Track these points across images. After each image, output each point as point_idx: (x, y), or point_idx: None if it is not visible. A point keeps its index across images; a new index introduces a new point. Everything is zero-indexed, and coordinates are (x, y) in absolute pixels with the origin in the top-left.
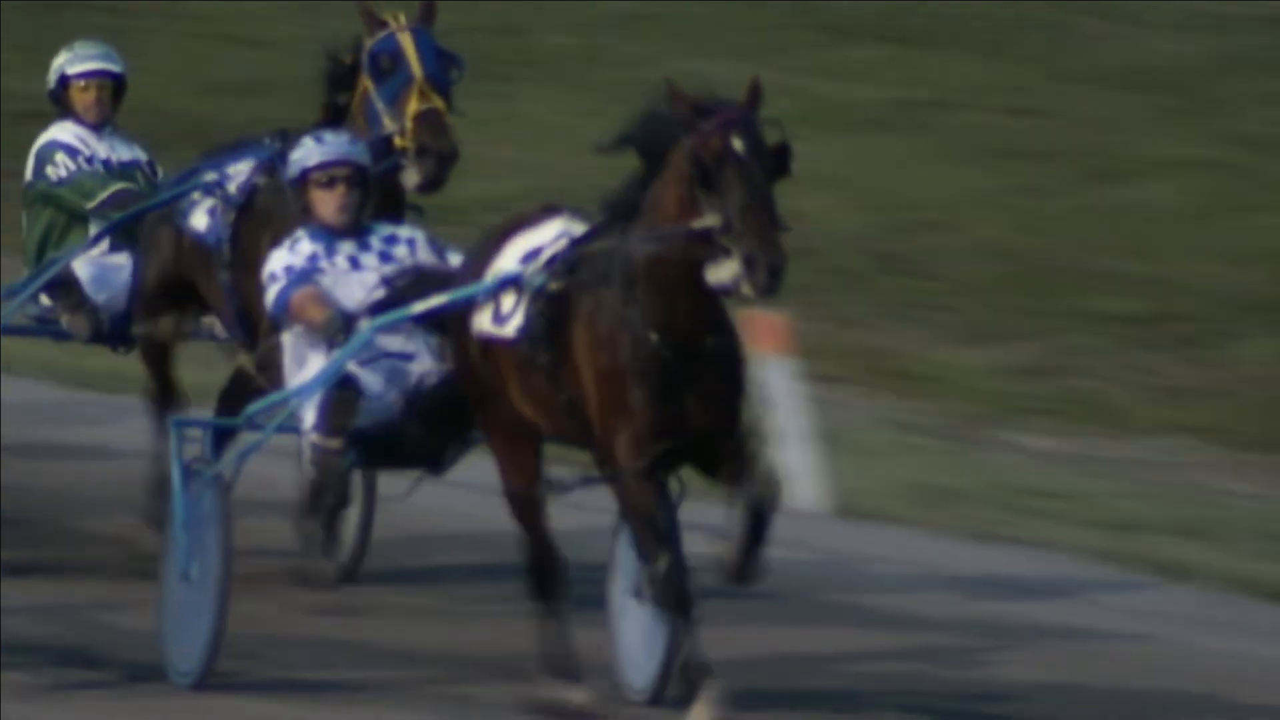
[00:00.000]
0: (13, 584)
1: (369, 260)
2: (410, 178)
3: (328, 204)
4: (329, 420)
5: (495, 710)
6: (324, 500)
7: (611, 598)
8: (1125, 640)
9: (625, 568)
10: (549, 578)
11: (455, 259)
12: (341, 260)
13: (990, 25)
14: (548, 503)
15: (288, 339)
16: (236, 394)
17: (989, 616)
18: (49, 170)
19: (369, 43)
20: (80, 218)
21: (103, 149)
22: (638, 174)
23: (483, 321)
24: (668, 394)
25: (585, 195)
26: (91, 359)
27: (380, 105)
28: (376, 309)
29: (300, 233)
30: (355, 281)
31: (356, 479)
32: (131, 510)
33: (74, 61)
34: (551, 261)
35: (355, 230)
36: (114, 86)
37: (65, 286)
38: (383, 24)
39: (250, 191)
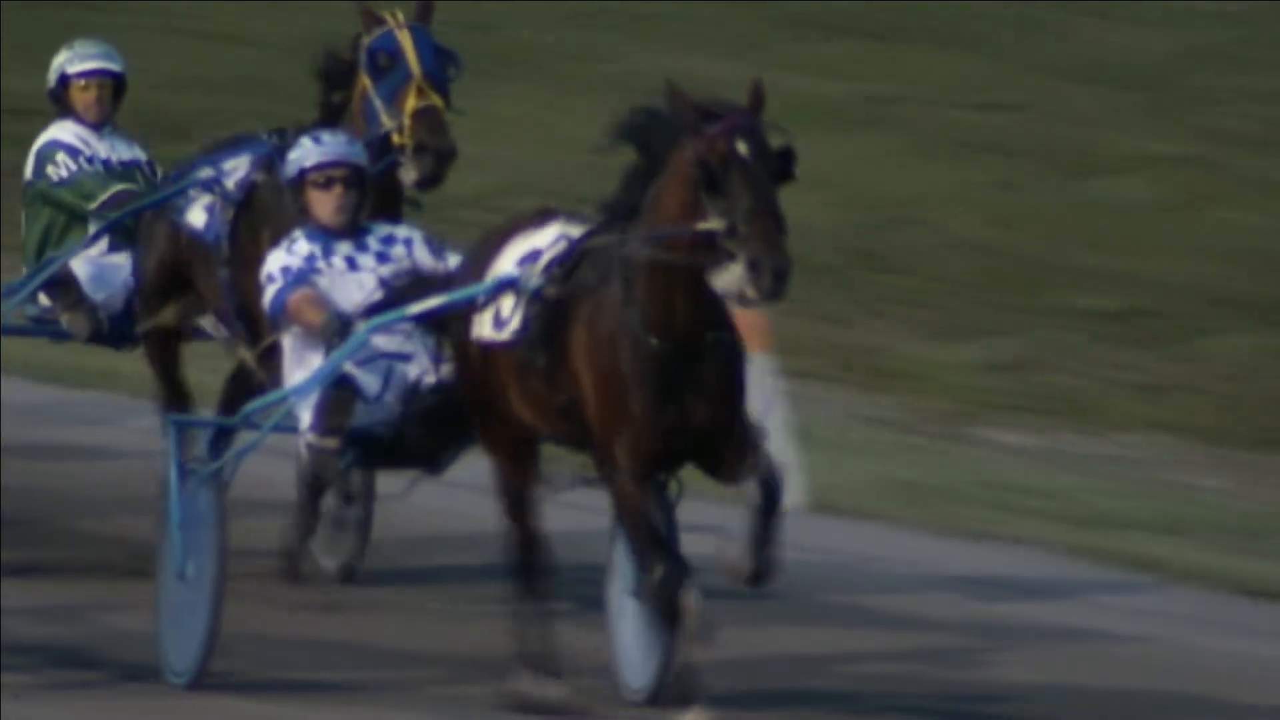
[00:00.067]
0: (12, 584)
1: (366, 261)
2: (408, 175)
3: (325, 205)
4: (325, 420)
5: (494, 711)
6: (317, 500)
7: (610, 598)
8: (1123, 641)
9: (623, 568)
10: (536, 575)
11: (453, 259)
12: (339, 261)
13: (965, 21)
14: (541, 501)
15: (286, 340)
16: (238, 395)
17: (986, 616)
18: (49, 170)
19: (367, 40)
20: (80, 218)
21: (103, 149)
22: (635, 174)
23: (482, 327)
24: (667, 398)
25: (560, 191)
26: (91, 359)
27: (378, 103)
28: (374, 311)
29: (297, 233)
30: (352, 282)
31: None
32: (132, 510)
33: (74, 60)
34: (550, 265)
35: (352, 231)
36: (114, 86)
37: (63, 285)
38: (380, 21)
39: (249, 189)
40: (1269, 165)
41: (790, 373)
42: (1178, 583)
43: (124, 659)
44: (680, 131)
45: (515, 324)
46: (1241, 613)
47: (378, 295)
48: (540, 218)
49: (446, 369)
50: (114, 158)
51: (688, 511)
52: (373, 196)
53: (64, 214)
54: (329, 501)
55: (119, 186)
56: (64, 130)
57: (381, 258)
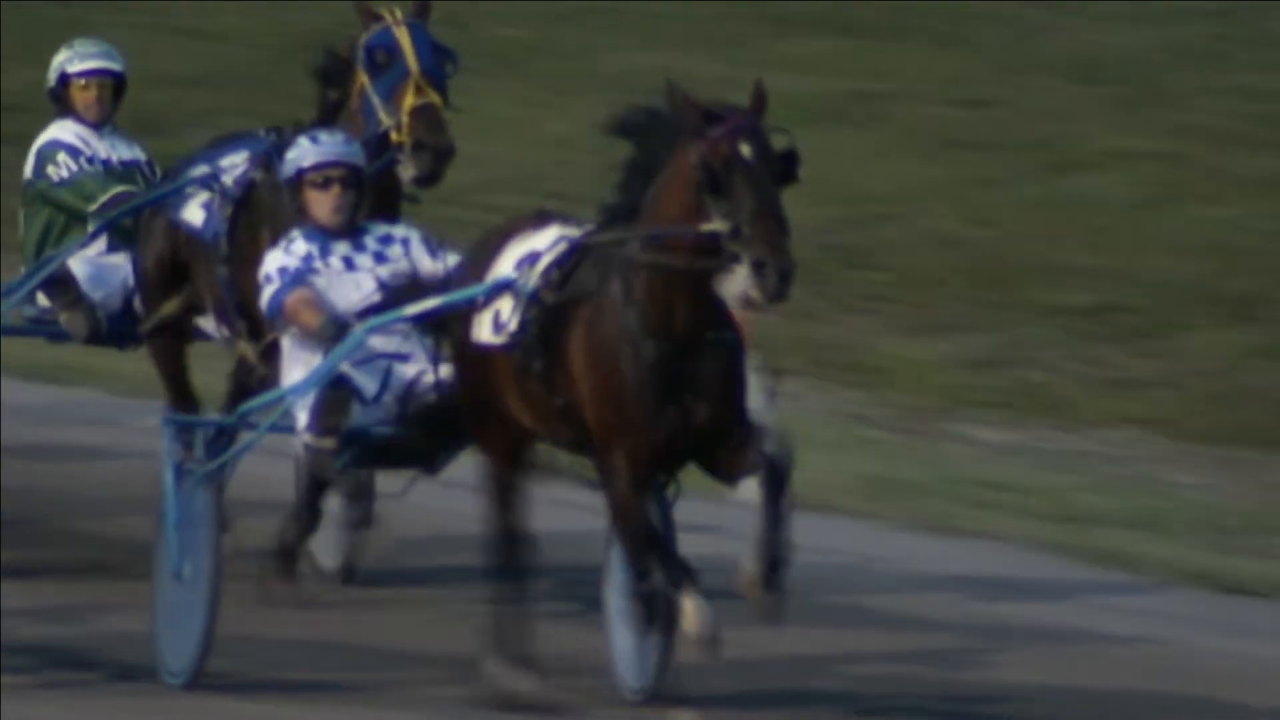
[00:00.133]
0: (12, 585)
1: (364, 261)
2: (406, 172)
3: (323, 205)
4: (321, 420)
5: (493, 711)
6: (318, 500)
7: (607, 598)
8: (1118, 641)
9: (621, 568)
10: (517, 569)
11: (450, 258)
12: (336, 261)
13: (941, 17)
14: (528, 497)
15: (284, 339)
16: (242, 395)
17: (973, 615)
18: (50, 170)
19: (364, 37)
20: (80, 218)
21: (103, 148)
22: (633, 175)
23: (481, 329)
24: (666, 402)
25: (543, 188)
26: (91, 359)
27: (376, 100)
28: (371, 313)
29: (295, 233)
30: (350, 282)
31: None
32: (132, 511)
33: (74, 60)
34: (549, 268)
35: (350, 230)
36: (115, 85)
37: (61, 284)
38: (378, 18)
39: (248, 186)
40: (1246, 162)
41: (765, 368)
42: (1154, 579)
43: (124, 659)
44: (680, 132)
45: (513, 327)
46: (1230, 612)
47: (375, 296)
48: (539, 219)
49: (445, 369)
50: (114, 157)
51: (687, 512)
52: (370, 196)
53: (63, 214)
54: (333, 501)
55: (119, 188)
56: (64, 130)
57: (379, 258)
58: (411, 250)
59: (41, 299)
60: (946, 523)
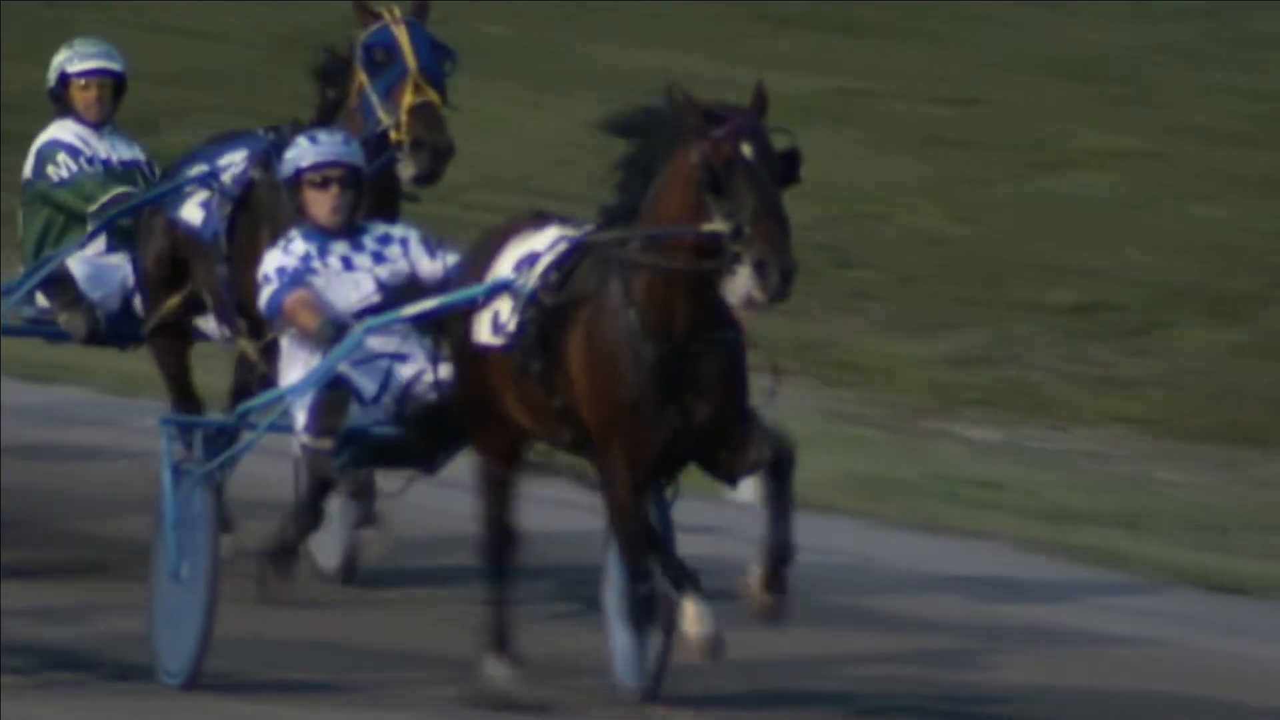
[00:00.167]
0: (12, 585)
1: (362, 261)
2: (405, 170)
3: (321, 204)
4: (319, 421)
5: (492, 712)
6: (320, 501)
7: (606, 598)
8: (1118, 641)
9: (618, 569)
10: (505, 565)
11: (448, 257)
12: (334, 261)
13: (927, 15)
14: (520, 495)
15: (283, 339)
16: (242, 397)
17: (976, 616)
18: (50, 170)
19: (362, 36)
20: (79, 219)
21: (103, 148)
22: (632, 176)
23: (480, 330)
24: (665, 406)
25: (525, 185)
26: (92, 359)
27: (374, 98)
28: (370, 313)
29: (293, 232)
30: (348, 282)
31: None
32: (133, 511)
33: (74, 60)
34: (547, 270)
35: (349, 230)
36: (114, 85)
37: (60, 284)
38: (377, 17)
39: (247, 185)
40: (1230, 160)
41: (752, 367)
42: (1144, 578)
43: (124, 660)
44: (681, 132)
45: (512, 328)
46: (1226, 611)
47: (374, 296)
48: (538, 220)
49: (444, 370)
50: (114, 157)
51: (687, 512)
52: (369, 195)
53: (63, 214)
54: (334, 502)
55: (119, 189)
56: (64, 130)
57: (378, 258)
58: (410, 250)
59: (40, 299)
60: (936, 521)
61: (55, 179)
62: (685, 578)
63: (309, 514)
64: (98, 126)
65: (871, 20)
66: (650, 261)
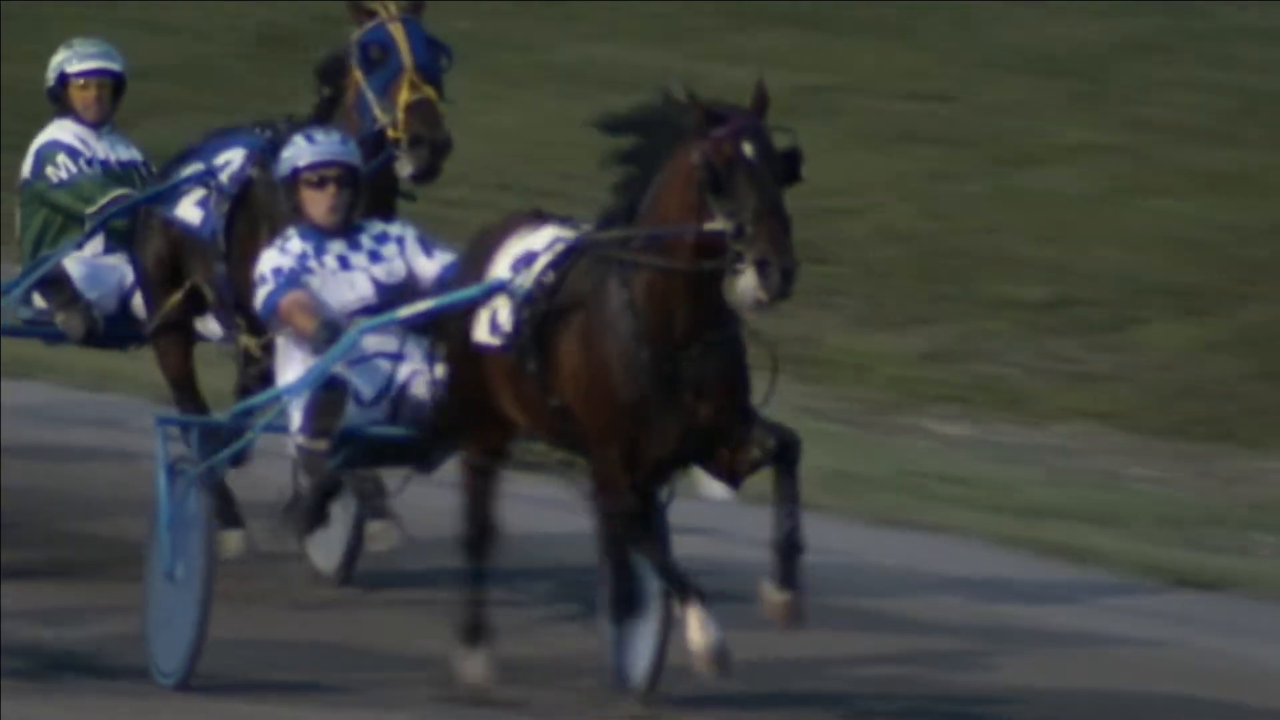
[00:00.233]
0: (13, 585)
1: (359, 260)
2: (404, 168)
3: (318, 204)
4: (314, 422)
5: (490, 713)
6: (325, 503)
7: (602, 598)
8: (1093, 640)
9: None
10: (483, 553)
11: (444, 257)
12: (331, 260)
13: (897, 11)
14: (501, 489)
15: (279, 338)
16: (246, 397)
17: (949, 613)
18: (49, 171)
19: (357, 34)
20: (78, 220)
21: (102, 149)
22: (631, 176)
23: (478, 330)
24: (661, 409)
25: (499, 181)
26: (92, 360)
27: (370, 96)
28: (367, 314)
29: (290, 231)
30: (345, 282)
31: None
32: (133, 512)
33: (74, 60)
34: (545, 270)
35: (345, 229)
36: (114, 85)
37: (56, 284)
38: (371, 15)
39: (245, 184)
40: (1200, 155)
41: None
42: (1113, 574)
43: (124, 661)
44: (680, 132)
45: (508, 328)
46: (1238, 613)
47: (371, 295)
48: (536, 219)
49: (440, 370)
50: (113, 158)
51: (686, 513)
52: (367, 194)
53: (61, 215)
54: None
55: (118, 191)
56: (63, 130)
57: (374, 256)
58: (406, 248)
59: (37, 300)
60: (907, 517)
61: (54, 180)
62: (688, 589)
63: (314, 514)
64: (96, 126)
65: (842, 16)
66: (650, 262)
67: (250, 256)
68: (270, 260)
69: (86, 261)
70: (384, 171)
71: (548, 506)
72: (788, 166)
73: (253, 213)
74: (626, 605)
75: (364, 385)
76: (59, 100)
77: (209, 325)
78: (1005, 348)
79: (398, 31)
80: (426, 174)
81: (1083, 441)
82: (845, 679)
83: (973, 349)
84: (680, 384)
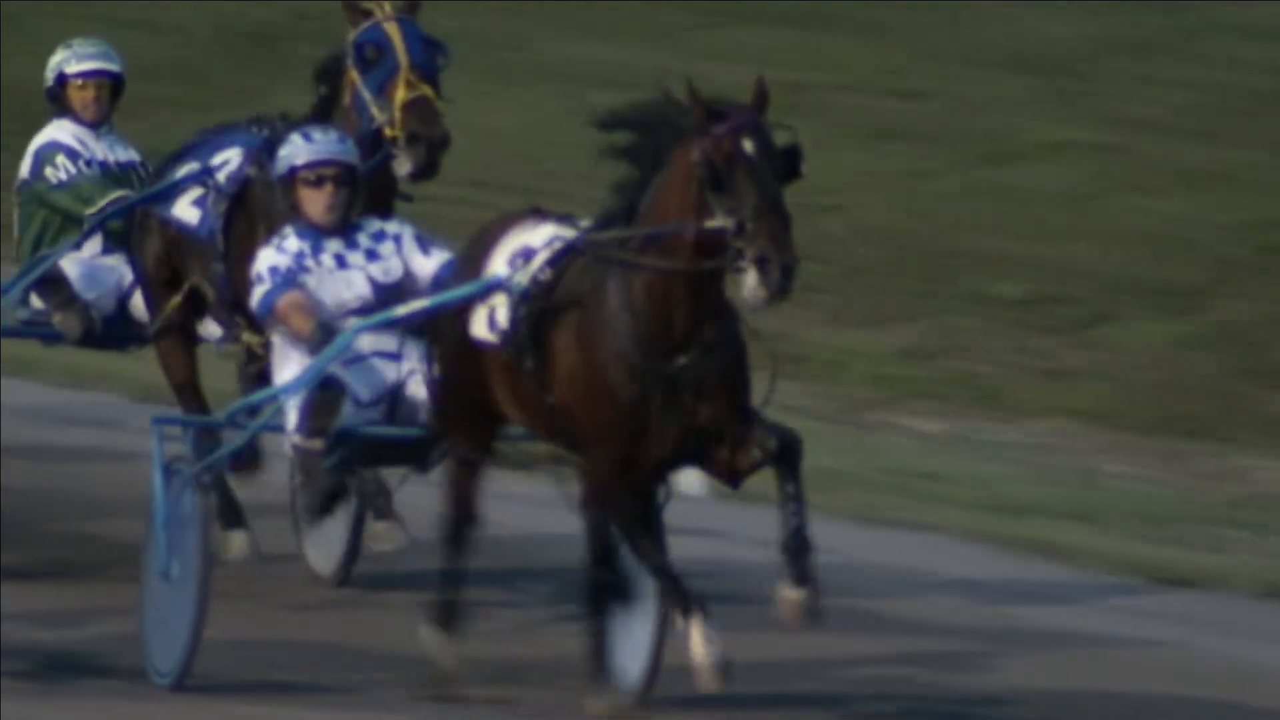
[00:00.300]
0: (13, 586)
1: (356, 259)
2: (402, 166)
3: (316, 203)
4: (310, 421)
5: (490, 714)
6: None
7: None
8: (1095, 642)
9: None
10: (462, 540)
11: (442, 255)
12: (328, 259)
13: (874, 8)
14: (487, 475)
15: (275, 338)
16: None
17: (924, 612)
18: (48, 172)
19: (353, 34)
20: (77, 221)
21: (100, 149)
22: (631, 175)
23: (476, 326)
24: (656, 411)
25: (471, 176)
26: (93, 360)
27: (367, 95)
28: (365, 314)
29: (288, 229)
30: (341, 280)
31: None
32: (134, 513)
33: (72, 60)
34: (542, 268)
35: (343, 228)
36: (112, 86)
37: (54, 284)
38: (367, 15)
39: (243, 183)
40: (1177, 152)
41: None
42: (1090, 571)
43: (124, 662)
44: (680, 131)
45: (504, 324)
46: (1237, 614)
47: (368, 294)
48: (533, 217)
49: (438, 369)
50: (111, 159)
51: (687, 514)
52: (364, 194)
53: (60, 216)
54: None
55: (117, 193)
56: (62, 130)
57: (371, 255)
58: (404, 247)
59: (35, 300)
60: (882, 514)
61: (54, 181)
62: (690, 603)
63: (319, 514)
64: (95, 127)
65: (819, 13)
66: (650, 263)
67: (248, 256)
68: (267, 259)
69: (84, 262)
70: (382, 171)
71: (547, 507)
72: (788, 163)
73: (251, 212)
74: (605, 597)
75: (361, 385)
76: (57, 100)
77: (208, 327)
78: (983, 344)
79: (393, 31)
80: (425, 171)
81: (1060, 438)
82: (842, 680)
83: (951, 346)
84: (678, 385)
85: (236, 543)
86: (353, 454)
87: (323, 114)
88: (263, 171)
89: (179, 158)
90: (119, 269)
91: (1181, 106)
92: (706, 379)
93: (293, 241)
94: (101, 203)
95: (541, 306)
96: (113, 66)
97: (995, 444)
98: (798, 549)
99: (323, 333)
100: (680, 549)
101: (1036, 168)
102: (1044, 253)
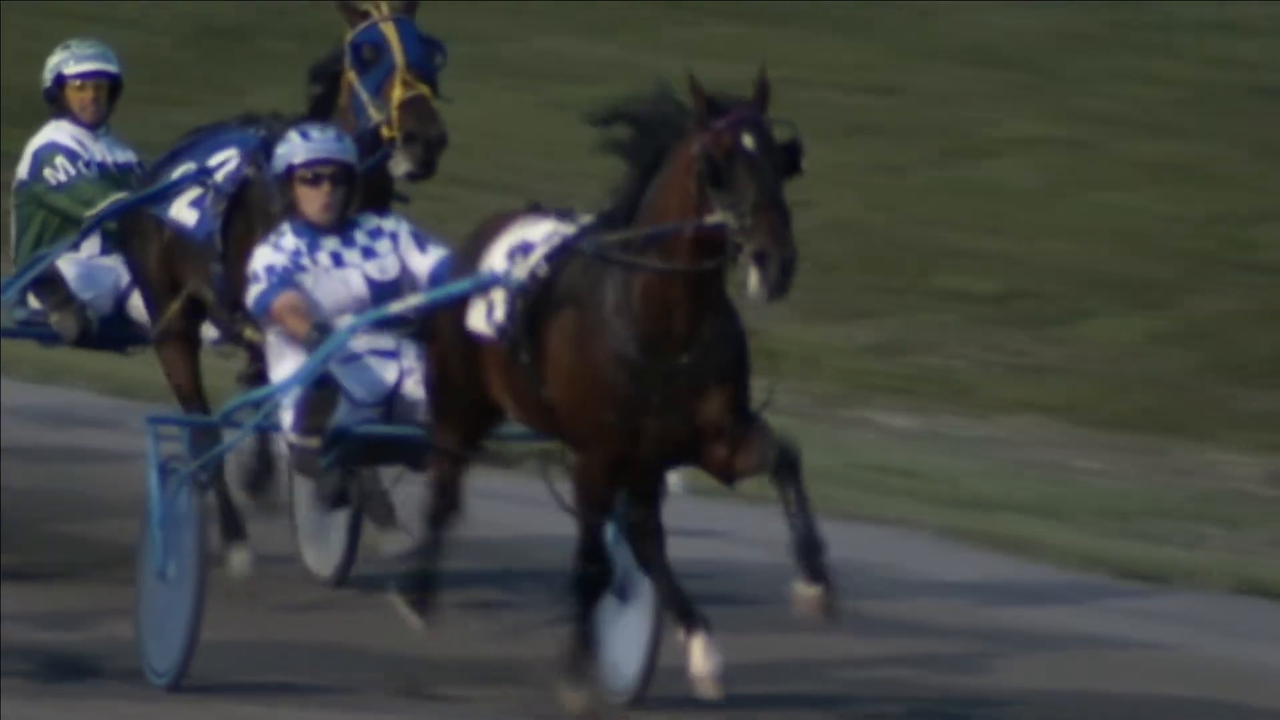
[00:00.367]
0: (12, 587)
1: (352, 257)
2: (399, 167)
3: (313, 201)
4: (306, 420)
5: (489, 714)
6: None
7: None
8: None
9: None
10: (442, 521)
11: (438, 252)
12: (324, 257)
13: (842, 4)
14: (471, 470)
15: (270, 336)
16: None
17: (893, 611)
18: (47, 173)
19: (350, 35)
20: (76, 223)
21: (99, 150)
22: (630, 174)
23: (473, 318)
24: (655, 413)
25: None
26: (93, 361)
27: (365, 96)
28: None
29: (284, 227)
30: (338, 279)
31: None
32: (134, 514)
33: (71, 61)
34: (539, 263)
35: (340, 226)
36: (110, 87)
37: (51, 284)
38: (364, 15)
39: (242, 183)
40: (1146, 147)
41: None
42: (1057, 565)
43: (124, 662)
44: (680, 130)
45: (499, 318)
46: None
47: (364, 293)
48: (533, 213)
49: (433, 361)
50: (110, 160)
51: (687, 514)
52: (361, 193)
53: (58, 218)
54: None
55: (117, 195)
56: (60, 131)
57: (367, 253)
58: (400, 244)
59: (32, 301)
60: (854, 509)
61: (53, 183)
62: (693, 618)
63: (332, 509)
64: (93, 128)
65: (790, 9)
66: (650, 264)
67: (247, 256)
68: (264, 257)
69: (82, 262)
70: (379, 170)
71: (546, 507)
72: (788, 158)
73: (249, 212)
74: (592, 593)
75: (358, 385)
76: (55, 101)
77: (206, 330)
78: (952, 340)
79: (390, 31)
80: (423, 170)
81: (1030, 434)
82: (842, 680)
83: (920, 341)
84: (676, 385)
85: (238, 561)
86: (349, 453)
87: (317, 114)
88: (260, 171)
89: (174, 158)
90: (117, 269)
91: (1150, 102)
92: (705, 378)
93: (289, 240)
94: (102, 204)
95: (538, 301)
96: (111, 67)
97: (966, 439)
98: (810, 549)
99: (318, 334)
100: (680, 549)
101: (1007, 163)
102: (1015, 248)
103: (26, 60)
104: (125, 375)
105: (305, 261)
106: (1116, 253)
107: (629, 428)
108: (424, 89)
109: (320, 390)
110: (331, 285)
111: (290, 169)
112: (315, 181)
